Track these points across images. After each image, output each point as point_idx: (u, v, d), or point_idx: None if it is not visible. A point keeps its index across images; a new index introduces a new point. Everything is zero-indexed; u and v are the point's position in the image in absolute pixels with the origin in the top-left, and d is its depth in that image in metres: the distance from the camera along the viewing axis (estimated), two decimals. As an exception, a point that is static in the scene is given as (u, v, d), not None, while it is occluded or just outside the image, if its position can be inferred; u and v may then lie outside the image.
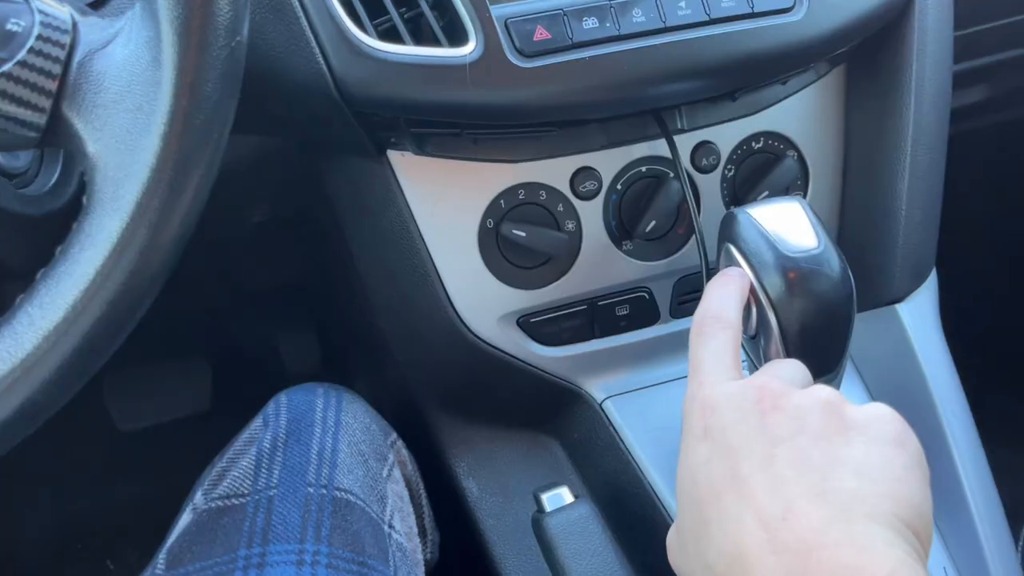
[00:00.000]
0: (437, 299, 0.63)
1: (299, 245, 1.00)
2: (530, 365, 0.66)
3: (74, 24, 0.39)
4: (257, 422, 0.63)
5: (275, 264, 1.09)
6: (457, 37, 0.54)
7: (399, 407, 0.79)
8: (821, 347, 0.52)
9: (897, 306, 0.68)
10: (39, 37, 0.38)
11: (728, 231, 0.54)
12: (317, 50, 0.54)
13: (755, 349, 0.53)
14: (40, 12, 0.38)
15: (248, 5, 0.40)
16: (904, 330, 0.67)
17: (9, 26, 0.38)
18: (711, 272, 0.59)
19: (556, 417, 0.70)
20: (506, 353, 0.65)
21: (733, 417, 0.42)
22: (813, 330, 0.51)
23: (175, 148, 0.38)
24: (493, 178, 0.61)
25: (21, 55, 0.38)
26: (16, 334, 0.37)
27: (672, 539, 0.44)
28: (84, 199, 0.38)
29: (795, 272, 0.51)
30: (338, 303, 0.97)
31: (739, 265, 0.53)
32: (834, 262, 0.52)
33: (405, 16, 0.54)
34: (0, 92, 0.37)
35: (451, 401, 0.72)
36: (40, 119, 0.38)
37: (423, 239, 0.61)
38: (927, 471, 0.40)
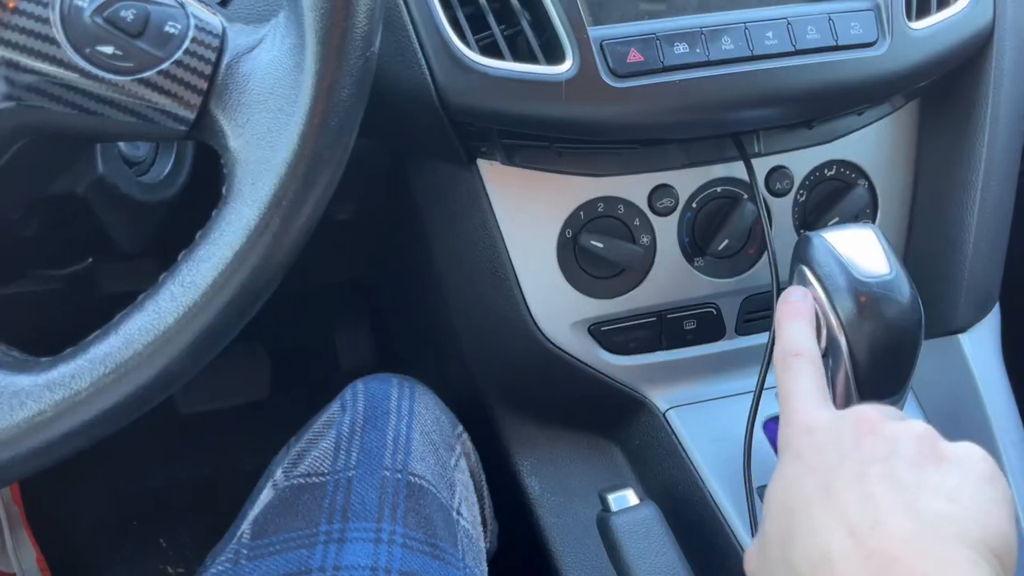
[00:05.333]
0: (514, 303, 0.65)
1: (367, 242, 1.03)
2: (598, 371, 0.68)
3: (224, 30, 0.43)
4: (335, 406, 0.66)
5: (338, 260, 1.13)
6: (554, 55, 0.57)
7: (463, 403, 0.82)
8: (888, 370, 0.54)
9: (959, 336, 0.70)
10: (193, 40, 0.42)
11: (802, 253, 0.56)
12: (423, 61, 0.57)
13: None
14: (195, 17, 0.42)
15: (381, 20, 0.43)
16: (966, 361, 0.69)
17: (168, 28, 0.41)
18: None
19: (619, 423, 0.72)
20: (576, 359, 0.67)
21: (830, 438, 0.44)
22: (881, 353, 0.53)
23: (310, 147, 0.41)
24: (575, 190, 0.64)
25: (178, 55, 0.41)
26: (160, 309, 0.40)
27: (753, 548, 0.46)
28: (224, 189, 0.42)
29: (866, 296, 0.53)
30: (406, 301, 1.00)
31: (812, 286, 0.55)
32: (905, 289, 0.54)
33: (506, 33, 0.57)
34: (157, 87, 0.41)
35: (518, 401, 0.75)
36: (190, 114, 0.42)
37: (505, 245, 0.64)
38: (1015, 511, 0.41)
